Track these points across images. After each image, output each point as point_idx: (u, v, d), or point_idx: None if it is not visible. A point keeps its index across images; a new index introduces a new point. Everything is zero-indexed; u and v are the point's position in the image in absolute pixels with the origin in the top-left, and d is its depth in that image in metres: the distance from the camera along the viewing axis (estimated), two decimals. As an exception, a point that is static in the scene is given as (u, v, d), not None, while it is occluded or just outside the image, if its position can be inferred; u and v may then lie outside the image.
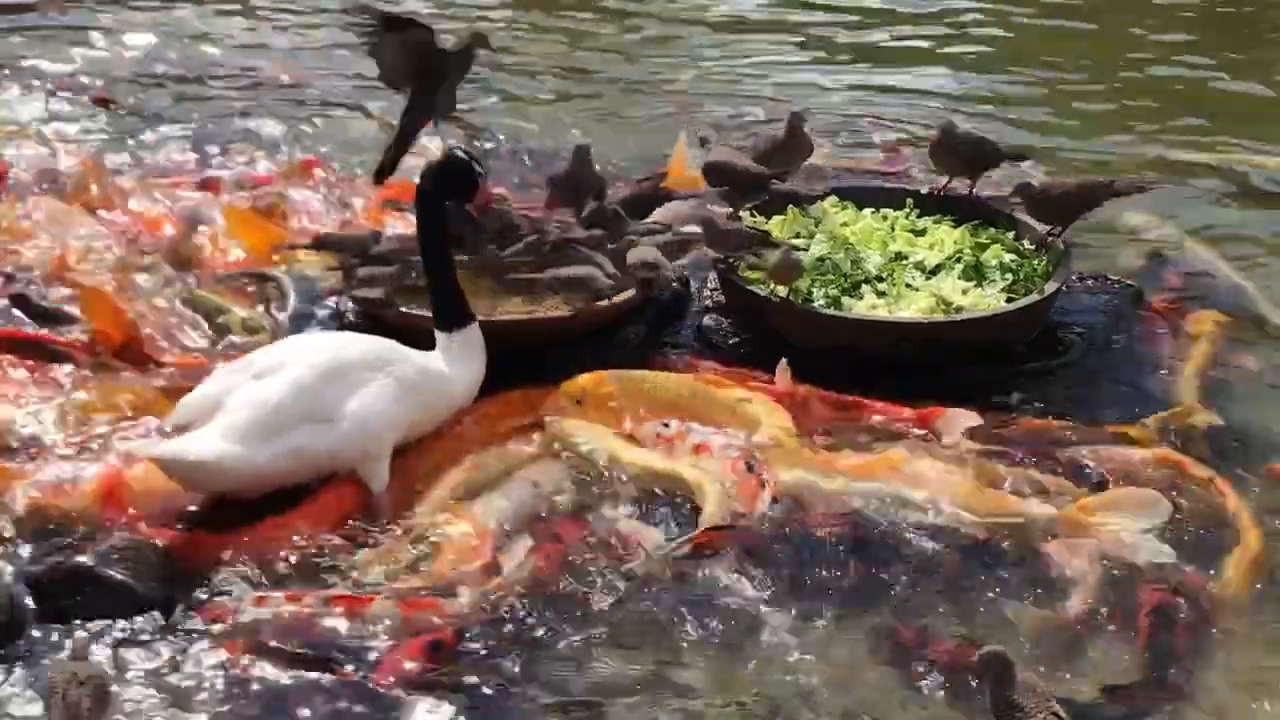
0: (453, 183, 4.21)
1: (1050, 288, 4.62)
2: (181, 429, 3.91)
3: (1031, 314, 4.61)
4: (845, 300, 4.62)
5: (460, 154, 4.27)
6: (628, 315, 4.63)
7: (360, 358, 4.01)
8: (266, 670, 3.37)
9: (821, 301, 4.60)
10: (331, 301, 4.79)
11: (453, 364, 4.15)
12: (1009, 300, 4.61)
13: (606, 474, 4.02)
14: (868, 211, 5.04)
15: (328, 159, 5.93)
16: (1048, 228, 4.85)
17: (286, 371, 3.91)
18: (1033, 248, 4.82)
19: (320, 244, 4.91)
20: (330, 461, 3.91)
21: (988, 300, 4.60)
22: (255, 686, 3.34)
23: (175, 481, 3.83)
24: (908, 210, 5.05)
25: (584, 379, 4.27)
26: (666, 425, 4.14)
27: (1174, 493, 3.95)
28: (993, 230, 4.92)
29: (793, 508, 3.87)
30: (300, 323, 4.71)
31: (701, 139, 5.45)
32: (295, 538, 3.75)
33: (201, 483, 3.85)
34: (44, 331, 4.56)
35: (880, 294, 4.66)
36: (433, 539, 3.76)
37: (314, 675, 3.36)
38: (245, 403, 3.84)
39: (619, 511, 3.90)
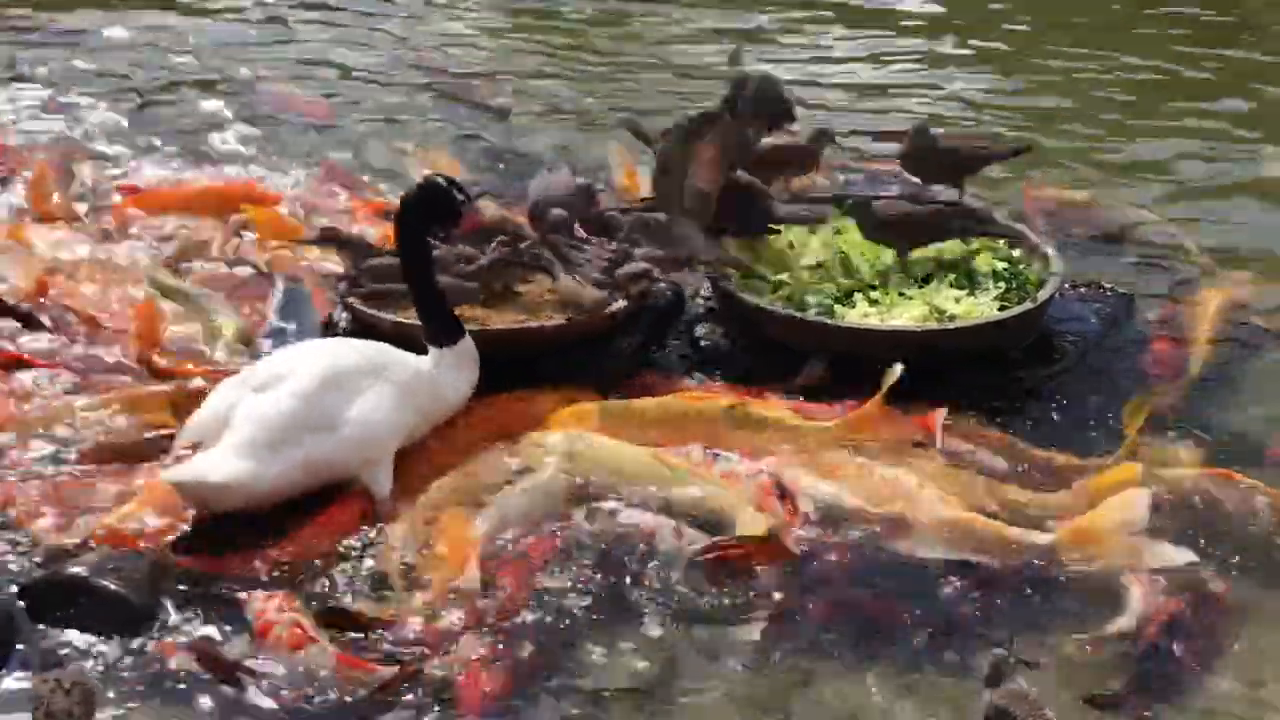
0: (433, 211, 4.18)
1: (1043, 296, 4.63)
2: (189, 449, 3.91)
3: (1025, 322, 4.62)
4: (838, 309, 4.62)
5: (440, 181, 4.21)
6: (622, 325, 4.62)
7: (356, 364, 4.03)
8: (250, 687, 3.36)
9: (815, 310, 4.60)
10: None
11: (446, 372, 4.18)
12: (1002, 308, 4.62)
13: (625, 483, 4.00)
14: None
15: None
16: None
17: (288, 383, 3.92)
18: (1023, 254, 4.83)
19: (327, 239, 4.91)
20: (333, 470, 3.92)
21: (981, 308, 4.61)
22: (241, 704, 3.34)
23: (189, 502, 3.84)
24: (901, 218, 5.04)
25: (567, 413, 4.26)
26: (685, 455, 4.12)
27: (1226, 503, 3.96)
28: (984, 238, 4.92)
29: (823, 528, 3.87)
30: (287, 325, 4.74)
31: None
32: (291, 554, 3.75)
33: (217, 503, 3.84)
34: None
35: (873, 302, 4.66)
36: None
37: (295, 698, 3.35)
38: (250, 417, 3.85)
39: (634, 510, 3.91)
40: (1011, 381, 4.57)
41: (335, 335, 4.58)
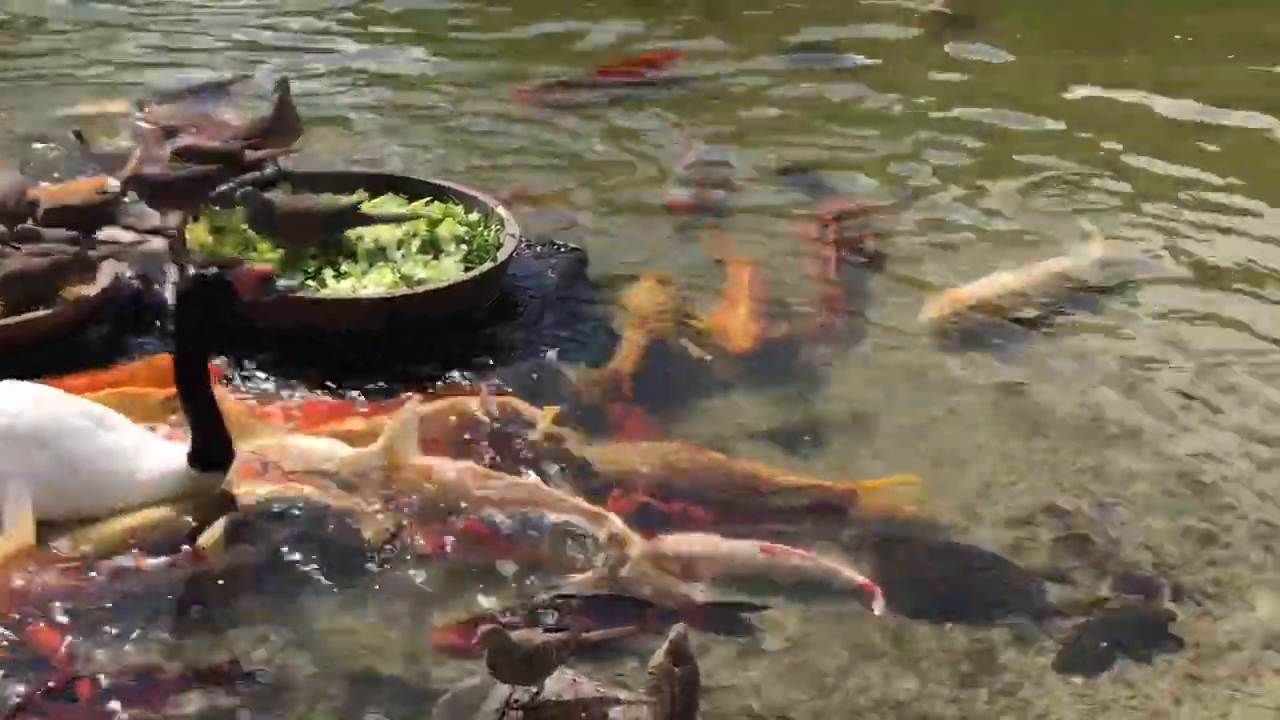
0: (212, 302, 3.81)
1: (503, 255, 4.85)
2: None
3: (488, 281, 4.83)
4: (310, 283, 4.68)
5: (204, 272, 3.97)
6: (87, 317, 4.54)
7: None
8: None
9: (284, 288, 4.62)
10: None
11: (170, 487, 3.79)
12: (466, 270, 4.81)
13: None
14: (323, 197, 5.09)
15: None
16: None
17: None
18: (480, 218, 5.04)
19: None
20: None
21: (447, 272, 4.79)
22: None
23: None
24: (359, 194, 5.12)
25: None
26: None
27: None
28: (442, 205, 5.10)
29: None
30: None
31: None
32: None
33: None
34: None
35: (341, 274, 4.75)
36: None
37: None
38: None
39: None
40: (481, 340, 4.74)
41: None
